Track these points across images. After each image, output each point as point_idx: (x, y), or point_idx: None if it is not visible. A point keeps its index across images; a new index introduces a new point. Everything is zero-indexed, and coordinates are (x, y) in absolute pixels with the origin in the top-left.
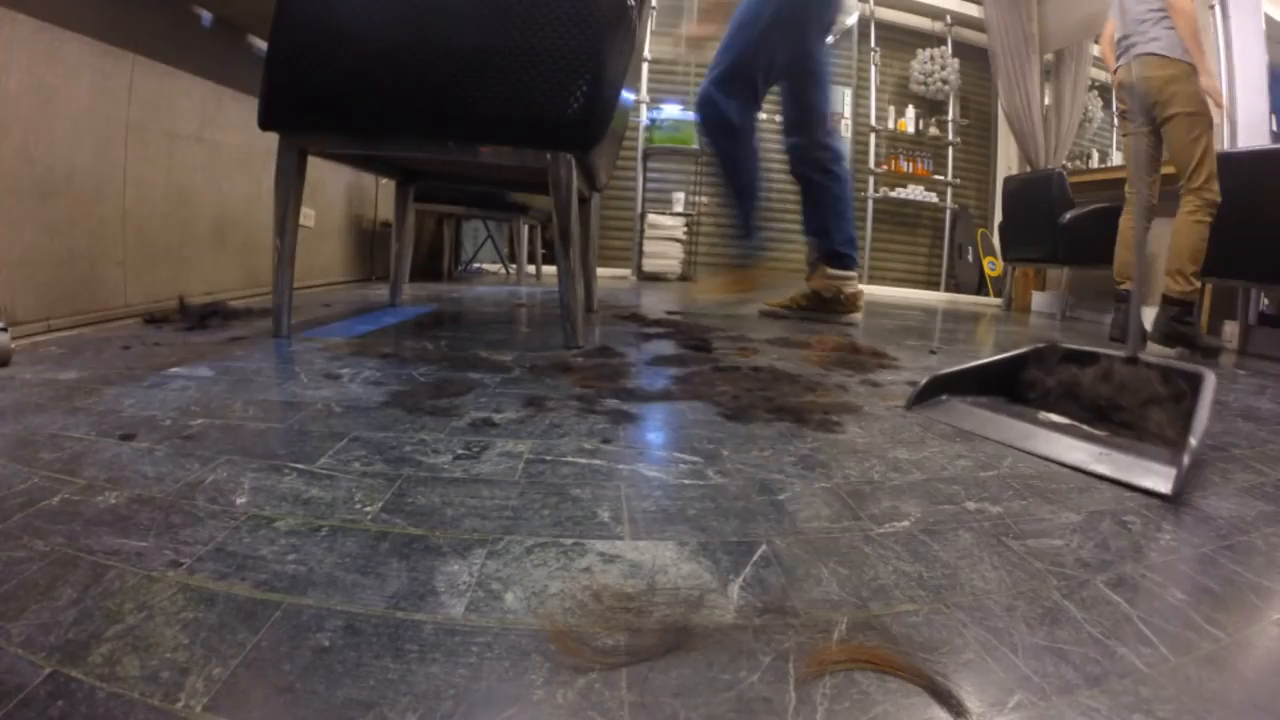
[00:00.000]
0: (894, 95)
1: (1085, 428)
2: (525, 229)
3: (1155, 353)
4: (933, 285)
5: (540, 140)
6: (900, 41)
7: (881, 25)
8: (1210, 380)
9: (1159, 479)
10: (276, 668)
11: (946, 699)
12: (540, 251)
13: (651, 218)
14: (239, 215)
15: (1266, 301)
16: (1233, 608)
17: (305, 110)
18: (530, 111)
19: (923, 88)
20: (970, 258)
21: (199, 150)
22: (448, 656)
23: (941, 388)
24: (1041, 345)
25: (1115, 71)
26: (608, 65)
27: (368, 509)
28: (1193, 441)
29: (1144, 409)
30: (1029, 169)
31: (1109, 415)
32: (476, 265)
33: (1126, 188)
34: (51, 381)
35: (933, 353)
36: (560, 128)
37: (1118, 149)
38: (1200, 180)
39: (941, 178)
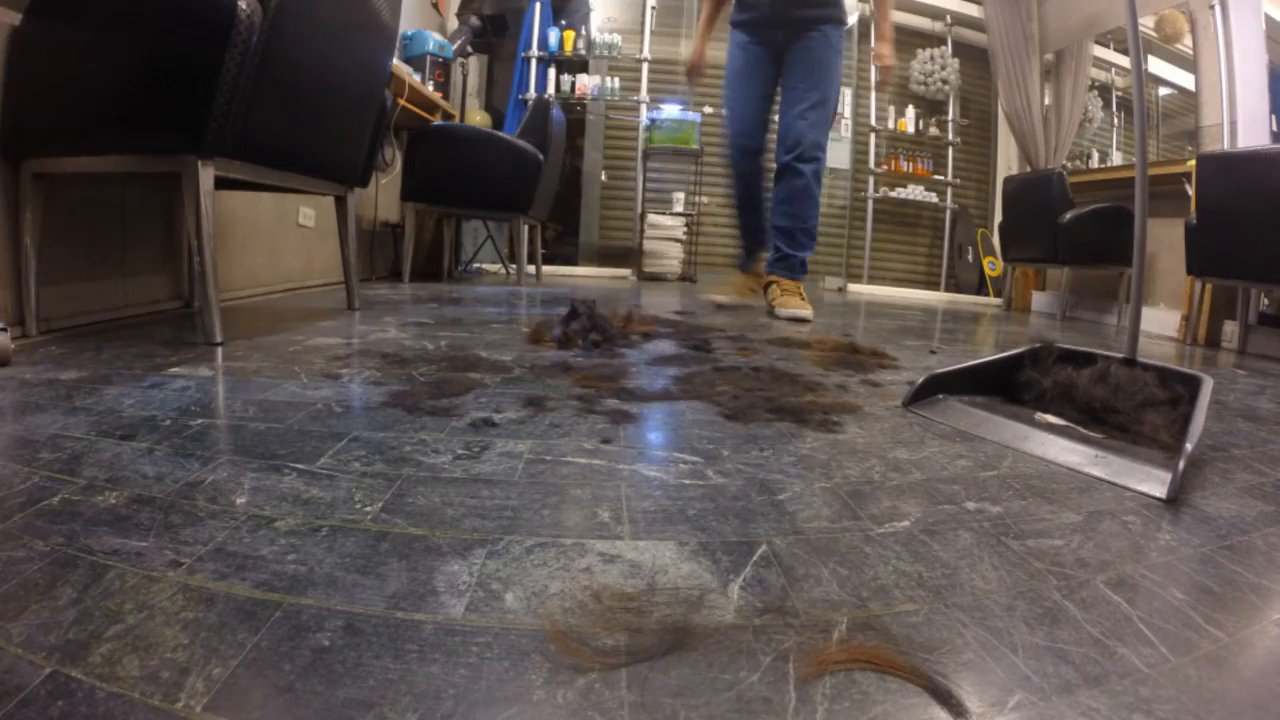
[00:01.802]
0: (894, 95)
1: (1081, 429)
2: (525, 229)
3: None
4: (933, 285)
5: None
6: (900, 41)
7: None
8: (1208, 385)
9: (1155, 483)
10: (276, 668)
11: (946, 699)
12: (540, 251)
13: (651, 218)
14: (238, 217)
15: (1266, 301)
16: (1233, 608)
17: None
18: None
19: (923, 88)
20: (970, 258)
21: None
22: (448, 656)
23: (939, 387)
24: (1038, 345)
25: None
26: None
27: (368, 509)
28: (1189, 446)
29: (1139, 411)
30: (1029, 169)
31: (1104, 417)
32: (476, 265)
33: None
34: (51, 381)
35: (932, 353)
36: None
37: (1118, 149)
38: None
39: (941, 178)
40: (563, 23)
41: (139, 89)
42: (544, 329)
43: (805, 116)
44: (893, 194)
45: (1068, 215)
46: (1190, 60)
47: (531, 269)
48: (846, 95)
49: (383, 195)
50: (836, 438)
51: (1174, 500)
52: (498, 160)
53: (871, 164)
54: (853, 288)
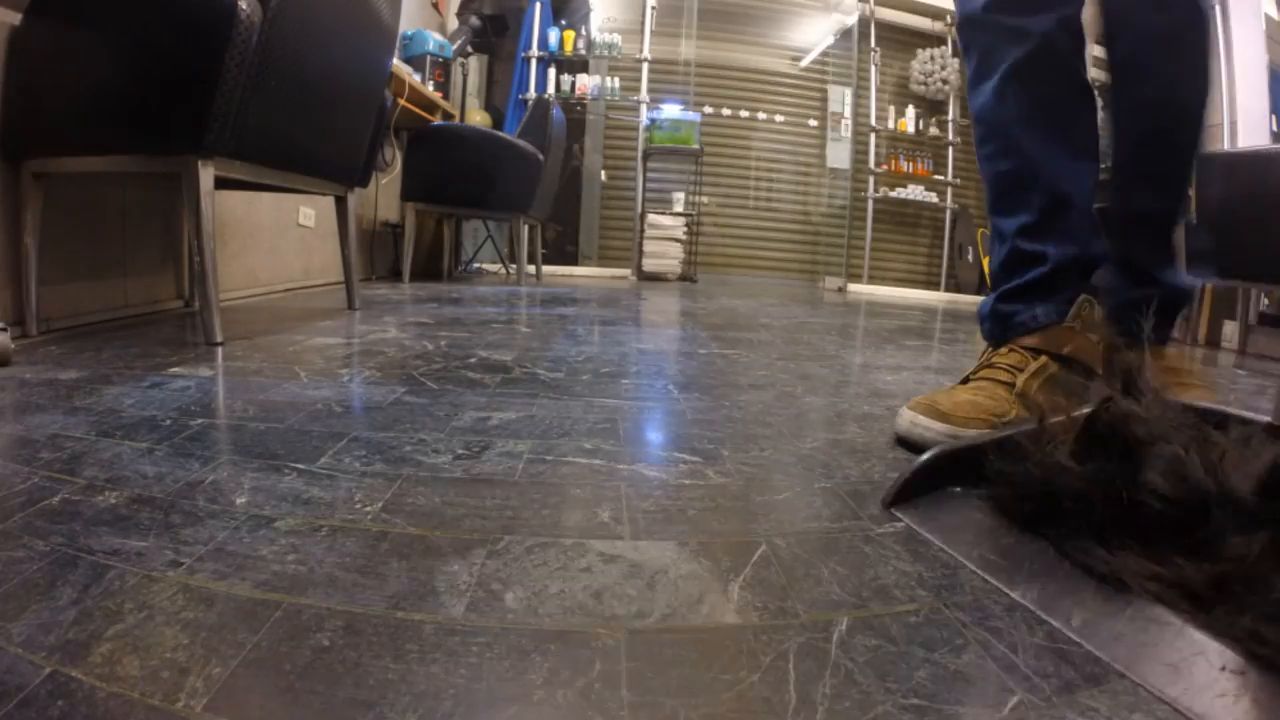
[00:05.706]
0: (894, 95)
1: None
2: (525, 229)
3: None
4: (933, 285)
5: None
6: (900, 41)
7: (881, 25)
8: None
9: None
10: (276, 668)
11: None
12: (540, 251)
13: (651, 218)
14: (238, 217)
15: (1266, 301)
16: None
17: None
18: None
19: (923, 88)
20: (970, 258)
21: None
22: (448, 656)
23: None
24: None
25: None
26: None
27: (368, 509)
28: None
29: None
30: None
31: None
32: (476, 265)
33: None
34: (51, 381)
35: None
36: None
37: None
38: None
39: (941, 178)
40: (563, 23)
41: (139, 89)
42: None
43: None
44: (893, 194)
45: None
46: None
47: (531, 269)
48: (846, 95)
49: (383, 195)
50: (836, 438)
51: None
52: (498, 160)
53: (871, 164)
54: (853, 288)
